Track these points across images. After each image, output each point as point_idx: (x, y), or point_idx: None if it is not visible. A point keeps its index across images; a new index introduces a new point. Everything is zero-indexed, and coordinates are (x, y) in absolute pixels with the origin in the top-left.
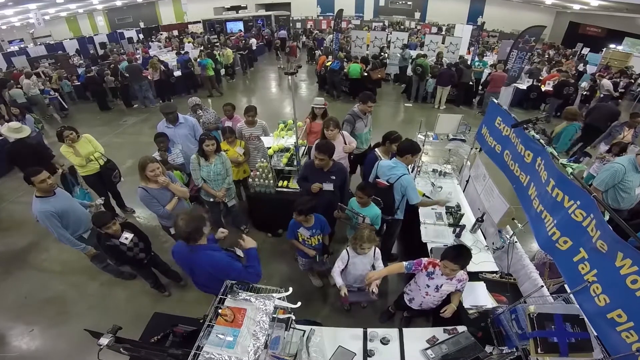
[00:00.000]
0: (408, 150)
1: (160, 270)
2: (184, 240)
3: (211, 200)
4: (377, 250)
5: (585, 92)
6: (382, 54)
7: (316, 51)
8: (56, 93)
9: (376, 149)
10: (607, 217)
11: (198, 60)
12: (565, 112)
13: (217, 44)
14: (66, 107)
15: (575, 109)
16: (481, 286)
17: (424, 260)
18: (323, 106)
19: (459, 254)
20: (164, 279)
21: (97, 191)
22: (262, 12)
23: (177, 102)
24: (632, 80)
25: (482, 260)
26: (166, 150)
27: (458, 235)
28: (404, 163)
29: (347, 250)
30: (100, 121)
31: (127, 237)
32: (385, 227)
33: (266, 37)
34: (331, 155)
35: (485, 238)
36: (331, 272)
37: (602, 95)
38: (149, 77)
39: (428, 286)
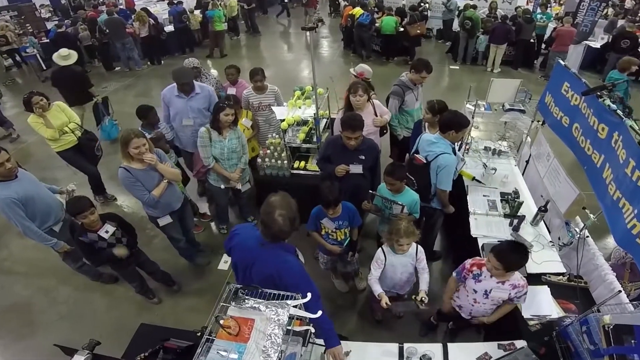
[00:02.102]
0: (450, 124)
1: (147, 271)
2: (271, 239)
3: (222, 187)
4: (420, 247)
5: None
6: (422, 4)
7: (341, 0)
8: (34, 50)
9: (423, 119)
10: None
11: (207, 11)
12: (621, 62)
13: None
14: (44, 67)
15: (631, 58)
16: (544, 291)
17: (467, 262)
18: (360, 76)
19: (504, 250)
20: (152, 282)
21: (80, 168)
22: None
23: (169, 65)
24: None
25: (546, 260)
26: (153, 127)
27: (516, 229)
28: (448, 140)
29: (382, 249)
30: None
31: (107, 230)
32: (424, 218)
33: None
34: (361, 130)
35: (549, 232)
36: (368, 279)
37: None
38: (135, 33)
39: (475, 291)
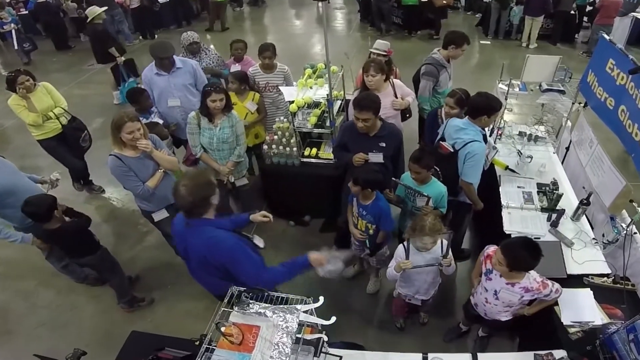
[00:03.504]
0: (481, 108)
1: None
2: (185, 212)
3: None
4: (445, 242)
5: None
6: None
7: None
8: (12, 25)
9: (439, 109)
10: None
11: None
12: None
13: None
14: (27, 45)
15: None
16: (586, 295)
17: (489, 249)
18: (386, 53)
19: (512, 244)
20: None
21: (61, 161)
22: None
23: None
24: None
25: (588, 259)
26: (146, 110)
27: (554, 224)
28: (478, 126)
29: (404, 245)
30: (57, 65)
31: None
32: (451, 213)
33: None
34: (378, 113)
35: (592, 228)
36: (387, 273)
37: None
38: (125, 4)
39: (486, 290)
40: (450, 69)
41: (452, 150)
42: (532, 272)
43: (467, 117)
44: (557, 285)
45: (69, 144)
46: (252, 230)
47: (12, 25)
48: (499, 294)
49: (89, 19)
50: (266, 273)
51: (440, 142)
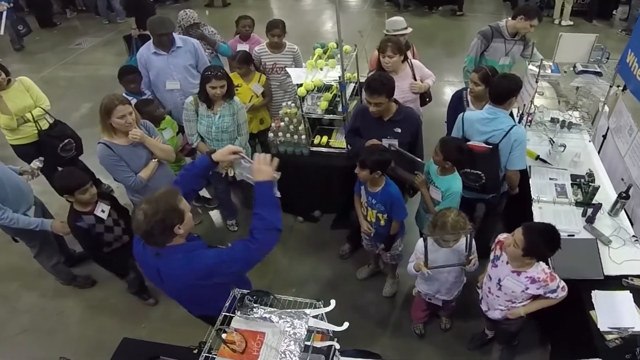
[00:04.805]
0: (512, 90)
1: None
2: (145, 241)
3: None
4: (470, 237)
5: None
6: None
7: None
8: (5, 4)
9: (464, 91)
10: None
11: None
12: None
13: None
14: (22, 28)
15: None
16: (626, 298)
17: (502, 235)
18: (403, 31)
19: (536, 227)
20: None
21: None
22: None
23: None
24: None
25: (628, 259)
26: (139, 93)
27: (590, 220)
28: (506, 110)
29: (424, 240)
30: (40, 45)
31: (103, 209)
32: (484, 209)
33: None
34: (391, 95)
35: (632, 224)
36: (408, 269)
37: None
38: None
39: (490, 278)
40: (511, 45)
41: (488, 147)
42: (541, 262)
43: (490, 104)
44: (563, 282)
45: (44, 154)
46: None
47: (3, 3)
48: (503, 283)
49: None
50: (249, 249)
51: (469, 144)
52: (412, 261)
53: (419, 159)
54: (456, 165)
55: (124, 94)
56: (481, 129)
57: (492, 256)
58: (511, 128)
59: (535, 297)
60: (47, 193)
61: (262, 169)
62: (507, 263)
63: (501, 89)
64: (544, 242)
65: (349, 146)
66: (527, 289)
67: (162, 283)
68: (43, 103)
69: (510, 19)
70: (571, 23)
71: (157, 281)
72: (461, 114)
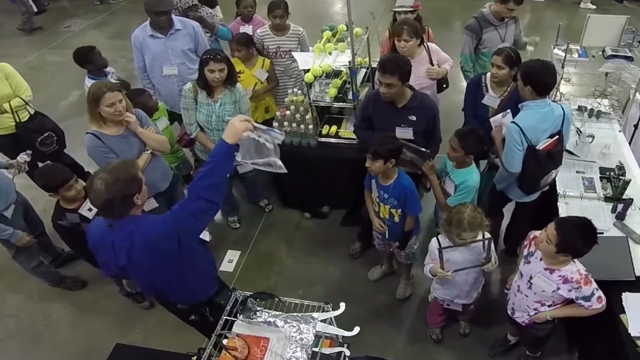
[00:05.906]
0: (555, 79)
1: None
2: (101, 212)
3: None
4: (488, 235)
5: None
6: None
7: None
8: None
9: (483, 76)
10: None
11: None
12: None
13: None
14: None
15: None
16: None
17: (534, 232)
18: (412, 8)
19: (570, 222)
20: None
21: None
22: None
23: None
24: None
25: None
26: (100, 70)
27: (620, 216)
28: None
29: (438, 239)
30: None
31: (90, 207)
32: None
33: None
34: (406, 79)
35: None
36: (424, 271)
37: None
38: None
39: (521, 275)
40: (505, 29)
41: (558, 140)
42: (577, 261)
43: (532, 99)
44: (601, 292)
45: (22, 148)
46: (261, 221)
47: None
48: (533, 281)
49: None
50: (196, 189)
51: (543, 147)
52: (428, 263)
53: (424, 149)
54: (477, 156)
55: (87, 77)
56: (543, 126)
57: (525, 252)
58: (563, 109)
59: (566, 303)
60: (32, 187)
61: (235, 123)
62: (541, 259)
63: (541, 80)
64: (578, 236)
65: (358, 139)
66: (558, 289)
67: (130, 264)
68: (23, 93)
69: (492, 3)
70: (598, 5)
71: (118, 264)
72: (513, 127)
